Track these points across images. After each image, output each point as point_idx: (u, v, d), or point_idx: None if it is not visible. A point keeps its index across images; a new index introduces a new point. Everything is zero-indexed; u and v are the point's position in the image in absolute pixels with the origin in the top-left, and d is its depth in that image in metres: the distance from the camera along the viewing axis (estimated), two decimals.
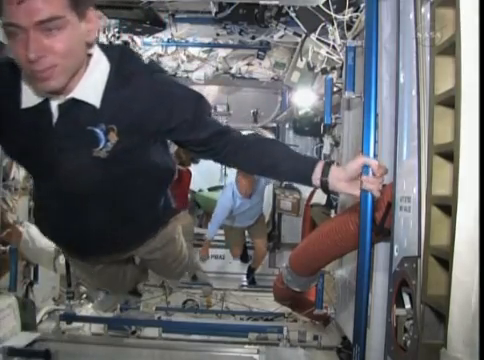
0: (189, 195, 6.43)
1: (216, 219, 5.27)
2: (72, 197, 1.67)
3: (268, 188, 6.02)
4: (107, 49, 1.51)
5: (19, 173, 3.60)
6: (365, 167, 1.58)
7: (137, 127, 1.51)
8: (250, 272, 6.04)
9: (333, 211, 3.88)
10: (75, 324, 3.37)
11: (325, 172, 1.58)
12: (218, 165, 7.31)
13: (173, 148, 5.28)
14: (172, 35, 4.64)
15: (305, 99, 5.19)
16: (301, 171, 1.65)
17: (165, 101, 1.53)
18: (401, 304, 1.74)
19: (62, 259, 3.57)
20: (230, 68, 5.37)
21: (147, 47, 4.95)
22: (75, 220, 1.77)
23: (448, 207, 1.38)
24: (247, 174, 4.94)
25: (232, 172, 7.40)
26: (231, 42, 4.88)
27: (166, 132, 1.60)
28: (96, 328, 3.40)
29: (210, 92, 6.20)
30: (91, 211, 1.74)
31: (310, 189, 5.55)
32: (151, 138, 1.61)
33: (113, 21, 4.29)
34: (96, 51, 1.48)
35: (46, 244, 3.62)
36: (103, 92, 1.45)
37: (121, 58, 1.51)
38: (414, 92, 1.76)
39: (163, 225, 2.12)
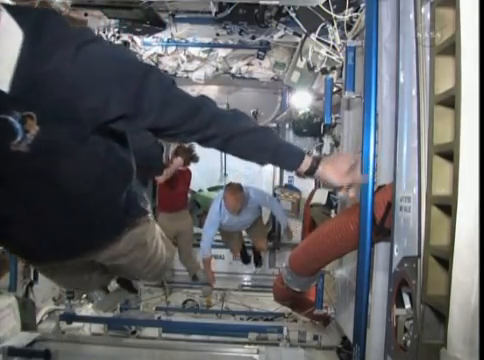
0: (189, 195, 6.43)
1: (206, 236, 4.87)
2: (5, 197, 1.41)
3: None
4: (19, 13, 1.16)
5: None
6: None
7: (63, 114, 1.21)
8: (257, 258, 6.04)
9: (333, 211, 3.89)
10: (75, 324, 3.37)
11: (311, 171, 1.54)
12: (218, 165, 7.33)
13: (173, 146, 5.27)
14: (172, 35, 4.64)
15: (302, 101, 5.27)
16: (285, 164, 1.61)
17: (99, 83, 1.19)
18: (401, 304, 1.74)
19: None
20: (230, 68, 5.37)
21: (147, 47, 4.96)
22: (15, 222, 1.52)
23: (448, 207, 1.38)
24: (234, 191, 4.72)
25: (232, 172, 7.40)
26: (231, 42, 4.88)
27: (107, 122, 1.28)
28: (96, 328, 3.40)
29: (210, 92, 6.21)
30: (31, 213, 1.48)
31: (310, 189, 5.58)
32: (86, 128, 1.28)
33: (113, 21, 4.30)
34: (4, 17, 1.12)
35: None
36: (14, 70, 1.12)
37: (39, 24, 1.16)
38: (414, 92, 1.76)
39: (129, 227, 1.82)
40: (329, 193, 4.51)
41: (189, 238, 5.54)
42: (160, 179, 4.85)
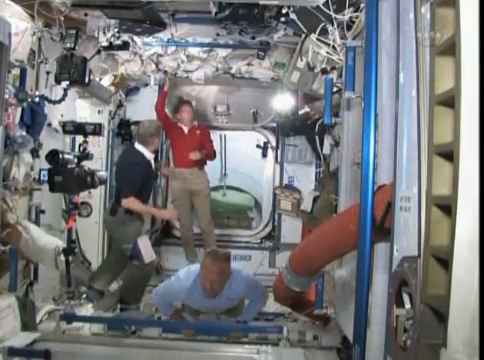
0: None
1: (160, 306, 3.80)
2: None
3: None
4: None
5: (19, 173, 3.61)
6: None
7: None
8: None
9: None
10: (75, 324, 3.36)
11: None
12: (218, 165, 7.32)
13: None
14: (172, 35, 4.63)
15: (284, 104, 5.48)
16: None
17: None
18: (401, 304, 1.74)
19: (62, 257, 3.58)
20: (230, 68, 5.37)
21: (147, 47, 4.95)
22: None
23: (448, 207, 1.38)
24: (219, 258, 3.33)
25: (232, 172, 7.38)
26: (231, 42, 4.88)
27: None
28: (96, 328, 3.39)
29: (210, 92, 6.20)
30: None
31: (310, 189, 5.58)
32: None
33: (113, 21, 4.29)
34: None
35: (47, 242, 3.63)
36: None
37: None
38: (414, 92, 1.76)
39: None
40: (315, 198, 4.60)
41: (204, 200, 5.60)
42: None
